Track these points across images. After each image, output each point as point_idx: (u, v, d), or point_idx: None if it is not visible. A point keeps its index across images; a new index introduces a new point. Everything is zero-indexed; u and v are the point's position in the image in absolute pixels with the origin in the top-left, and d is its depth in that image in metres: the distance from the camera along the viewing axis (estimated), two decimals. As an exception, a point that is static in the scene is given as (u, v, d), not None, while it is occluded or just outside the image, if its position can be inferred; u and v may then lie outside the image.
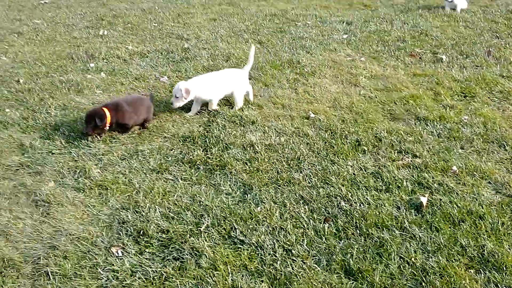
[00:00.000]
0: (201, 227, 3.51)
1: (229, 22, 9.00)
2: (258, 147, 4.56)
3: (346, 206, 3.71)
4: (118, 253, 3.30)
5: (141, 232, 3.47)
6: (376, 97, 5.64)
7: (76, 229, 3.55)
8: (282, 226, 3.49)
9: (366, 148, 4.51)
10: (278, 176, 4.13)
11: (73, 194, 3.96)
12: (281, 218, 3.60)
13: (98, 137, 4.75)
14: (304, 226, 3.50)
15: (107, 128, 4.74)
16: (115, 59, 7.08)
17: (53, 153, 4.58)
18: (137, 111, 4.84)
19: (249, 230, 3.45)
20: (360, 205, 3.71)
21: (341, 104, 5.47)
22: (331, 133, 4.82)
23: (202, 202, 3.78)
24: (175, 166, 4.31)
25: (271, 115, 5.24)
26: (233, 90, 5.33)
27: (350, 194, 3.85)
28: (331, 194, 3.86)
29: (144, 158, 4.46)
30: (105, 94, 5.86)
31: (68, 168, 4.30)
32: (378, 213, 3.61)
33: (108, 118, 4.69)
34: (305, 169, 4.21)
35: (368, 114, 5.21)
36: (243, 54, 7.12)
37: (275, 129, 4.92)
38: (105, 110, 4.71)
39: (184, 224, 3.55)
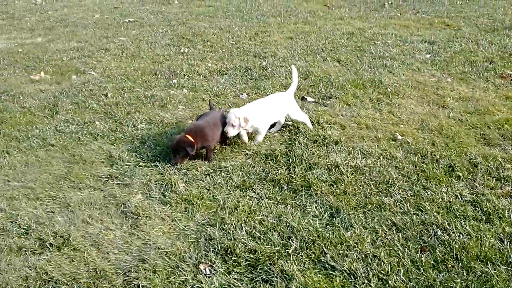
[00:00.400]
0: (289, 249, 3.40)
1: (306, 41, 8.96)
2: (343, 168, 4.41)
3: (443, 236, 3.47)
4: (206, 271, 3.26)
5: (229, 251, 3.42)
6: (467, 120, 5.33)
7: (164, 243, 3.56)
8: (375, 254, 3.32)
9: (460, 174, 4.23)
10: (367, 200, 3.96)
11: (160, 207, 4.00)
12: (373, 244, 3.42)
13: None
14: (399, 255, 3.30)
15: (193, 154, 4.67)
16: (196, 75, 7.23)
17: (140, 166, 4.68)
18: (217, 129, 4.84)
19: (340, 256, 3.31)
20: (459, 236, 3.45)
21: (430, 127, 5.21)
22: (421, 156, 4.58)
23: (289, 223, 3.69)
24: (259, 184, 4.26)
25: (355, 136, 5.08)
26: (288, 113, 5.17)
27: (446, 222, 3.60)
28: (425, 221, 3.63)
29: (227, 174, 4.44)
30: (188, 109, 5.96)
31: (155, 181, 4.37)
32: (480, 245, 3.34)
33: (196, 145, 4.61)
34: (396, 194, 4.01)
35: (460, 138, 4.92)
36: (321, 72, 7.04)
37: (360, 150, 4.75)
38: (190, 137, 4.62)
39: (272, 245, 3.46)
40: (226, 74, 7.26)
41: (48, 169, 4.66)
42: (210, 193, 4.17)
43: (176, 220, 3.83)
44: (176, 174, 4.47)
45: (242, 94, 6.38)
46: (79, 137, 5.28)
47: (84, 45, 9.20)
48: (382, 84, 6.49)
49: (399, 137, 4.98)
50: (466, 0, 12.34)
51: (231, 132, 4.78)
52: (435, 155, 4.57)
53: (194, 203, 4.03)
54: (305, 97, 6.12)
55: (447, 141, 4.86)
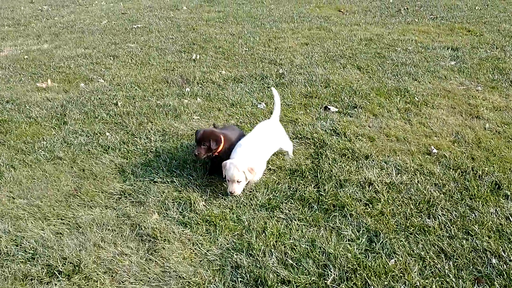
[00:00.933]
0: (327, 280, 3.03)
1: (322, 47, 8.61)
2: (377, 186, 4.04)
3: (500, 265, 3.08)
4: (235, 306, 2.89)
5: (259, 281, 3.05)
6: (505, 132, 4.95)
7: (186, 271, 3.20)
8: (425, 286, 2.93)
9: (508, 193, 3.85)
10: (408, 222, 3.57)
11: (179, 229, 3.64)
12: (421, 275, 3.05)
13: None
14: (453, 287, 2.91)
15: (214, 155, 4.35)
16: (210, 84, 6.88)
17: (155, 182, 4.32)
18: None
19: (386, 288, 2.93)
20: (518, 265, 3.07)
21: (466, 139, 4.83)
22: (462, 172, 4.20)
23: (324, 249, 3.31)
24: (286, 203, 3.89)
25: (386, 149, 4.71)
26: (281, 146, 4.52)
27: (501, 249, 3.22)
28: (477, 248, 3.25)
29: (251, 192, 4.08)
30: (203, 120, 5.61)
31: (173, 199, 4.01)
32: (544, 277, 2.95)
33: (222, 145, 4.32)
34: (439, 215, 3.63)
35: (501, 151, 4.54)
36: (342, 80, 6.68)
37: (394, 165, 4.38)
38: (221, 135, 4.34)
39: (307, 274, 3.08)
40: (241, 82, 6.90)
41: (56, 185, 4.31)
42: (233, 213, 3.81)
43: (197, 244, 3.47)
44: (195, 192, 4.11)
45: (260, 103, 6.02)
46: (89, 150, 4.93)
47: (92, 51, 8.89)
48: (408, 93, 6.12)
49: (434, 150, 4.61)
50: (485, 5, 11.96)
51: (238, 190, 3.95)
52: (477, 171, 4.18)
53: (217, 224, 3.66)
54: (328, 106, 5.76)
55: (488, 155, 4.48)
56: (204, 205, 3.94)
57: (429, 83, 6.52)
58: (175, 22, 11.38)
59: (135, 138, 5.18)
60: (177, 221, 3.75)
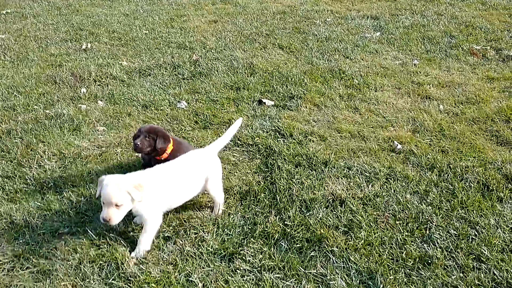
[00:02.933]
0: None
1: (235, 24, 7.63)
2: (351, 203, 3.28)
3: (532, 302, 2.48)
4: None
5: None
6: (463, 114, 4.46)
7: None
8: None
9: (502, 195, 3.30)
10: (403, 253, 2.86)
11: (108, 312, 2.58)
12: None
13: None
14: None
15: (159, 159, 3.50)
16: (110, 80, 5.62)
17: (61, 234, 3.17)
18: None
19: None
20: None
21: (426, 126, 4.26)
22: (439, 172, 3.59)
23: (315, 314, 2.48)
24: (246, 245, 2.98)
25: (343, 149, 3.97)
26: (209, 190, 3.25)
27: (524, 278, 2.62)
28: (497, 280, 2.62)
29: (196, 233, 3.10)
30: (112, 132, 4.43)
31: (90, 261, 2.91)
32: None
33: (170, 149, 3.48)
34: (436, 237, 2.96)
35: (469, 139, 4.02)
36: (268, 64, 5.81)
37: (360, 171, 3.65)
38: (171, 137, 3.58)
39: None
40: (149, 75, 5.74)
41: None
42: (179, 271, 2.82)
43: (139, 333, 2.45)
44: (120, 244, 3.03)
45: (179, 102, 4.95)
46: (-43, 196, 3.57)
47: None
48: (345, 74, 5.43)
49: (399, 146, 3.96)
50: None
51: (116, 217, 2.80)
52: (456, 170, 3.60)
53: (160, 293, 2.66)
54: (262, 100, 4.86)
55: (457, 146, 3.93)
56: (136, 264, 2.89)
57: (362, 60, 5.90)
58: (53, 4, 9.61)
59: (23, 169, 3.89)
60: (102, 297, 2.68)
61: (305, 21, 7.62)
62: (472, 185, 3.41)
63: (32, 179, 3.75)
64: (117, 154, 4.03)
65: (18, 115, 4.82)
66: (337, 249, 2.90)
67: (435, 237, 2.96)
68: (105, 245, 3.04)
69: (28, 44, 7.07)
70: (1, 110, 4.92)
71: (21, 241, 3.14)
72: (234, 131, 3.50)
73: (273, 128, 4.30)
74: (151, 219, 2.97)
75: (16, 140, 4.31)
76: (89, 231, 3.17)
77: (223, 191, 3.33)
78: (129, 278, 2.79)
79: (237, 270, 2.80)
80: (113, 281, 2.77)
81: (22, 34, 7.53)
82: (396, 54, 6.01)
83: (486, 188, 3.38)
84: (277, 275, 2.75)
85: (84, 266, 2.89)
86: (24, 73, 5.91)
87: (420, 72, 5.40)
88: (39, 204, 3.47)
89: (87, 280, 2.80)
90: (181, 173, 3.13)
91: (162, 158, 3.52)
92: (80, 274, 2.84)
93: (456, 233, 2.98)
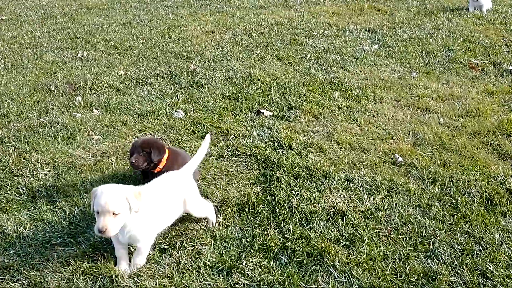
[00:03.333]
0: None
1: (232, 35, 7.60)
2: (352, 216, 3.20)
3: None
4: None
5: None
6: (464, 127, 4.42)
7: None
8: None
9: (506, 210, 3.23)
10: (407, 268, 2.78)
11: (101, 328, 2.47)
12: None
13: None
14: None
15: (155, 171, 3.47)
16: (106, 88, 5.55)
17: (53, 246, 3.06)
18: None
19: None
20: None
21: (427, 139, 4.20)
22: (441, 186, 3.53)
23: (317, 331, 2.38)
24: (245, 259, 2.89)
25: (344, 161, 3.90)
26: (188, 208, 3.08)
27: (531, 295, 2.55)
28: (503, 297, 2.55)
29: (193, 245, 3.01)
30: (107, 141, 4.34)
31: (83, 274, 2.80)
32: None
33: (164, 160, 3.43)
34: (440, 253, 2.88)
35: (470, 153, 3.97)
36: (266, 75, 5.76)
37: (361, 184, 3.58)
38: (165, 146, 3.55)
39: None
40: (146, 84, 5.67)
41: None
42: (176, 286, 2.72)
43: None
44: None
45: (177, 111, 4.88)
46: None
47: None
48: (343, 86, 5.39)
49: (400, 159, 3.89)
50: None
51: (113, 228, 2.60)
52: (458, 184, 3.53)
53: (157, 309, 2.55)
54: (260, 110, 4.80)
55: (459, 159, 3.87)
56: (131, 277, 2.79)
57: (361, 72, 5.87)
58: (49, 12, 9.57)
59: (15, 178, 3.79)
60: (95, 311, 2.57)
61: (302, 33, 7.60)
62: (475, 199, 3.34)
63: (24, 188, 3.65)
64: (112, 164, 3.94)
65: (11, 122, 4.73)
66: (338, 263, 2.82)
67: (439, 252, 2.88)
68: (99, 257, 2.95)
69: (23, 51, 6.99)
70: (-6, 117, 4.82)
71: (11, 252, 3.03)
72: (205, 150, 3.29)
73: (272, 139, 4.23)
74: (144, 242, 2.84)
75: (9, 148, 4.22)
76: (82, 242, 3.08)
77: (206, 204, 3.18)
78: (124, 291, 2.69)
79: (236, 285, 2.71)
80: (106, 295, 2.67)
81: (16, 42, 7.46)
82: (395, 66, 5.99)
83: (489, 203, 3.31)
84: (277, 290, 2.66)
85: (76, 279, 2.78)
86: (18, 81, 5.82)
87: (419, 85, 5.36)
88: (31, 214, 3.36)
89: (81, 294, 2.69)
90: (160, 198, 2.94)
91: (158, 170, 3.47)
92: (72, 287, 2.73)
93: (460, 248, 2.91)
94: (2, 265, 2.91)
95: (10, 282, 2.79)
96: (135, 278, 2.77)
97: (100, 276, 2.80)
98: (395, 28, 7.61)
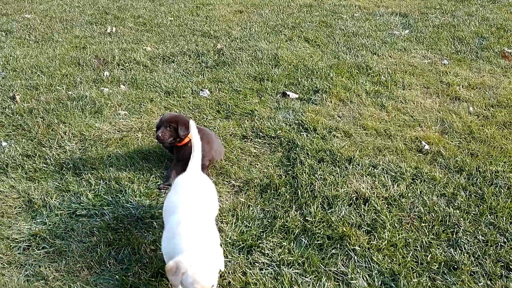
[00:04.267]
0: None
1: (260, 15, 7.52)
2: (375, 202, 3.18)
3: None
4: None
5: None
6: (494, 117, 4.31)
7: None
8: None
9: (534, 203, 3.16)
10: (429, 256, 2.76)
11: (123, 297, 2.53)
12: None
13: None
14: None
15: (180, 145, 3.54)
16: (134, 65, 5.58)
17: (78, 216, 3.13)
18: (214, 147, 3.58)
19: None
20: None
21: (455, 128, 4.12)
22: (468, 176, 3.46)
23: (335, 314, 2.40)
24: (265, 238, 2.91)
25: (369, 147, 3.86)
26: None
27: (555, 290, 2.50)
28: (527, 291, 2.51)
29: (216, 223, 3.03)
30: (133, 116, 4.39)
31: (107, 245, 2.86)
32: None
33: (189, 136, 3.38)
34: (463, 243, 2.85)
35: (500, 143, 3.87)
36: (293, 57, 5.70)
37: (385, 170, 3.54)
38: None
39: None
40: (173, 62, 5.68)
41: None
42: (196, 261, 2.74)
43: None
44: (137, 228, 3.00)
45: (202, 90, 4.89)
46: (-23, 172, 3.57)
47: (-25, 25, 7.08)
48: (371, 71, 5.30)
49: (426, 146, 3.83)
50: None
51: None
52: (485, 174, 3.46)
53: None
54: (286, 92, 4.77)
55: (487, 149, 3.79)
56: (153, 251, 2.84)
57: (390, 57, 5.75)
58: (80, -14, 9.60)
59: (44, 148, 3.87)
60: (117, 281, 2.63)
61: (332, 15, 7.48)
62: (502, 190, 3.28)
63: (51, 159, 3.73)
64: (137, 139, 3.99)
65: (40, 94, 4.81)
66: (359, 248, 2.81)
67: (462, 242, 2.85)
68: (122, 230, 3.01)
69: (54, 25, 7.07)
70: (24, 89, 4.92)
71: (38, 220, 3.12)
72: (198, 139, 3.06)
73: (297, 122, 4.21)
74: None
75: (38, 119, 4.30)
76: (106, 214, 3.14)
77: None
78: (145, 263, 2.74)
79: (256, 263, 2.74)
80: (127, 266, 2.73)
81: (47, 15, 7.54)
82: (425, 53, 5.85)
83: (517, 194, 3.25)
84: (296, 271, 2.68)
85: (100, 249, 2.85)
86: (48, 54, 5.91)
87: (449, 73, 5.24)
88: (58, 184, 3.44)
89: (103, 263, 2.76)
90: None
91: (183, 144, 3.50)
92: (96, 257, 2.81)
93: (484, 239, 2.87)
94: (28, 233, 3.00)
95: (35, 249, 2.88)
96: (157, 252, 2.82)
97: (123, 248, 2.86)
98: (427, 13, 7.42)
